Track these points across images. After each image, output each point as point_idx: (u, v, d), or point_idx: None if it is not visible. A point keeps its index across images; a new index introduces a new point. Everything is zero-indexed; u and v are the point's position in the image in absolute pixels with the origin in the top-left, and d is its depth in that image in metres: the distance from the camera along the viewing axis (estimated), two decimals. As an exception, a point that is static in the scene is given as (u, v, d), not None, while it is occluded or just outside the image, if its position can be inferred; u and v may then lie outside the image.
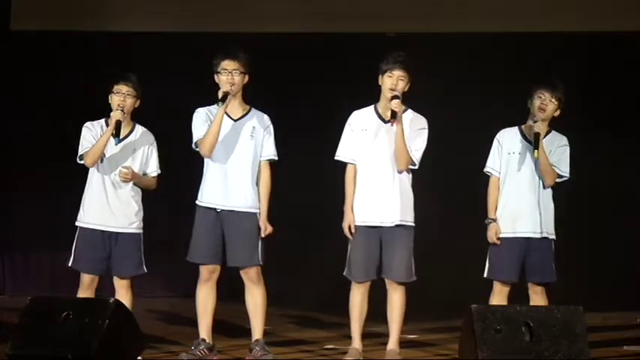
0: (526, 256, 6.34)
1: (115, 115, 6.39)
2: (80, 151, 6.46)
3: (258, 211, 6.42)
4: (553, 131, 6.45)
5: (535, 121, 6.31)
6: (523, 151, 6.39)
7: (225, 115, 6.37)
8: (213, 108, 6.40)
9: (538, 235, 6.33)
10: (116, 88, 6.45)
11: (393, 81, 6.34)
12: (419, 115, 6.47)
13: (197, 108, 6.52)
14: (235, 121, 6.45)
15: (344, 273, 6.43)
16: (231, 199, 6.38)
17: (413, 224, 6.41)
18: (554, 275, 6.34)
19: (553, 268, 6.35)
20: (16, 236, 9.63)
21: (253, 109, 6.52)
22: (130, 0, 9.45)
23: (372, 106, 6.49)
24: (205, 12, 9.33)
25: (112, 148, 6.41)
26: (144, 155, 6.52)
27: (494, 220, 6.39)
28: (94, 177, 6.47)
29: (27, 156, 9.43)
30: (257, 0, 9.34)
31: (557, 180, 6.38)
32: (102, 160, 6.42)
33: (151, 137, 6.59)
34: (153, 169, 6.57)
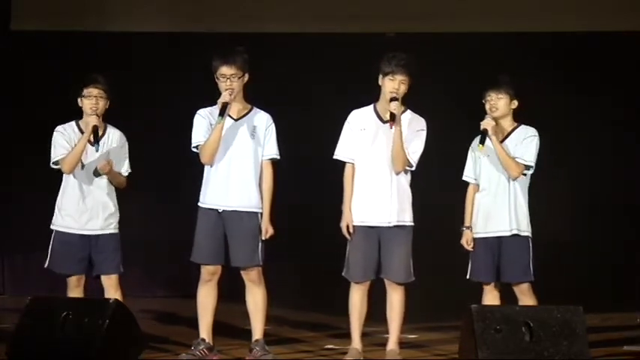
0: (500, 256, 6.36)
1: (91, 120, 6.39)
2: (54, 157, 6.50)
3: (260, 211, 6.42)
4: (522, 125, 6.49)
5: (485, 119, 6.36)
6: (490, 152, 6.40)
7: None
8: (215, 109, 6.40)
9: (508, 233, 6.35)
10: (86, 91, 6.45)
11: (394, 85, 6.33)
12: (418, 116, 6.47)
13: (197, 108, 6.52)
14: (236, 120, 6.44)
15: (343, 273, 6.43)
16: (233, 200, 6.38)
17: (412, 224, 6.41)
18: (528, 275, 6.32)
19: (528, 266, 6.33)
20: (16, 236, 9.62)
21: (255, 109, 6.52)
22: (130, 0, 9.45)
23: (371, 106, 6.48)
24: (205, 12, 9.33)
25: (92, 155, 6.43)
26: (117, 156, 6.54)
27: (468, 228, 6.45)
28: (69, 181, 6.50)
29: (27, 156, 9.42)
30: (257, 0, 9.34)
31: (525, 172, 6.39)
32: (82, 167, 6.43)
33: (123, 138, 6.62)
34: (125, 168, 6.61)
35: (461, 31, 9.25)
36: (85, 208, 6.46)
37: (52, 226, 6.53)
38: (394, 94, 6.28)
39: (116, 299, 5.65)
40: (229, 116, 6.39)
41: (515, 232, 6.35)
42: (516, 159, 6.35)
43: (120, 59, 9.01)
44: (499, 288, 6.40)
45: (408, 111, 6.45)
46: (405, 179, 6.43)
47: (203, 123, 6.41)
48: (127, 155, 6.60)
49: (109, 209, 6.50)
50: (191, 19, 9.36)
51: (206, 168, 6.47)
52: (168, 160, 8.65)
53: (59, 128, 6.55)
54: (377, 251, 6.37)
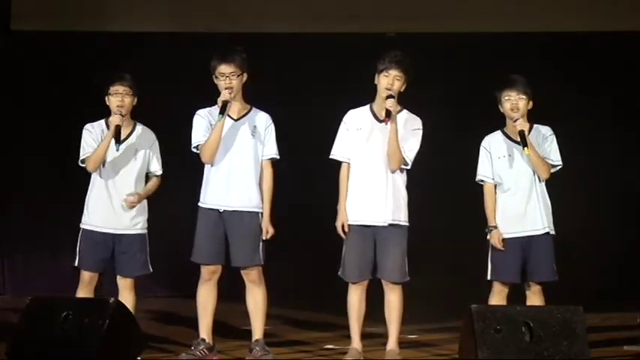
0: (528, 255, 6.34)
1: (114, 119, 6.38)
2: (82, 155, 6.46)
3: (261, 210, 6.43)
4: (535, 125, 6.47)
5: (516, 120, 6.32)
6: (512, 152, 6.40)
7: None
8: (214, 109, 6.40)
9: (541, 232, 6.34)
10: (112, 89, 6.43)
11: (389, 80, 6.33)
12: (414, 116, 6.47)
13: (197, 108, 6.53)
14: (236, 120, 6.45)
15: (339, 273, 6.43)
16: (234, 200, 6.38)
17: (407, 224, 6.40)
18: (555, 275, 6.33)
19: (554, 267, 6.34)
20: (16, 236, 9.62)
21: (254, 109, 6.53)
22: (130, 0, 9.45)
23: (367, 106, 6.49)
24: (205, 12, 9.33)
25: (114, 152, 6.40)
26: (146, 155, 6.53)
27: (495, 227, 6.40)
28: (96, 179, 6.47)
29: (27, 156, 9.43)
30: (257, 0, 9.35)
31: (552, 170, 6.40)
32: (104, 165, 6.42)
33: (152, 136, 6.59)
34: (156, 168, 6.58)
35: (461, 31, 9.25)
36: (111, 207, 6.42)
37: (81, 225, 6.49)
38: (389, 92, 6.29)
39: (116, 299, 5.64)
40: (229, 116, 6.40)
41: (547, 230, 6.34)
42: (545, 159, 6.36)
43: (120, 59, 9.00)
44: (510, 290, 6.38)
45: (405, 111, 6.45)
46: (401, 179, 6.41)
47: (203, 123, 6.42)
48: (158, 154, 6.57)
49: (136, 208, 6.47)
50: (191, 19, 9.36)
51: (206, 168, 6.47)
52: (169, 160, 8.64)
53: (88, 126, 6.53)
54: (372, 251, 6.36)
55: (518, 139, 6.32)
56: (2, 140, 9.43)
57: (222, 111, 6.28)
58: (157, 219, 8.56)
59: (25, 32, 9.38)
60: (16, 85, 9.49)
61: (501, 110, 6.44)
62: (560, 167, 6.42)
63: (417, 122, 6.45)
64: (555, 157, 6.41)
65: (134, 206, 6.43)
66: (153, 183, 6.57)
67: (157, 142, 6.58)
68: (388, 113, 6.24)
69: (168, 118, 8.63)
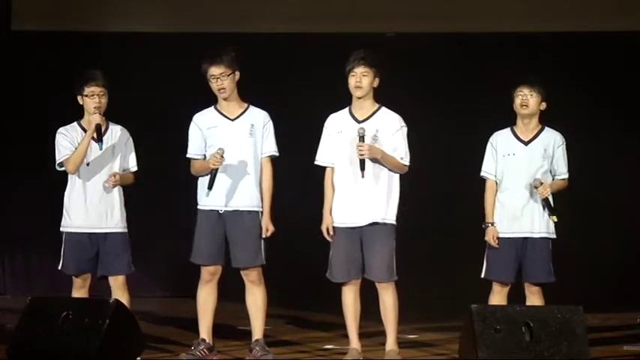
0: (523, 256, 6.34)
1: (94, 119, 6.36)
2: (59, 159, 6.46)
3: (261, 209, 6.42)
4: (546, 128, 6.46)
5: (536, 187, 6.30)
6: (518, 151, 6.40)
7: (222, 116, 6.40)
8: (210, 111, 6.40)
9: (536, 235, 6.33)
10: (88, 90, 6.40)
11: (356, 79, 6.30)
12: (392, 114, 6.38)
13: (197, 108, 6.52)
14: (233, 120, 6.44)
15: (326, 275, 6.39)
16: (233, 200, 6.37)
17: (393, 223, 6.33)
18: (551, 276, 6.33)
19: (551, 268, 6.33)
20: (16, 237, 9.63)
21: (251, 107, 6.51)
22: (130, 0, 9.45)
23: (346, 108, 6.45)
24: (205, 12, 9.33)
25: (95, 153, 6.41)
26: (122, 152, 6.53)
27: (492, 224, 6.39)
28: (76, 181, 6.46)
29: (27, 156, 9.42)
30: (257, 1, 9.35)
31: (562, 178, 6.41)
32: (88, 164, 6.41)
33: (126, 134, 6.59)
34: (132, 164, 6.58)
35: (461, 31, 9.26)
36: (92, 207, 6.42)
37: (61, 229, 6.49)
38: (359, 90, 6.26)
39: (116, 299, 5.65)
40: (227, 117, 6.39)
41: (543, 234, 6.34)
42: (561, 176, 6.38)
43: (120, 59, 9.00)
44: (510, 289, 6.38)
45: (383, 108, 6.40)
46: (388, 177, 6.34)
47: (196, 135, 6.42)
48: (133, 150, 6.58)
49: (116, 207, 6.46)
50: (191, 19, 9.36)
51: (203, 170, 6.47)
52: (168, 159, 8.66)
53: (62, 130, 6.52)
54: (359, 251, 6.31)
55: (524, 139, 6.33)
56: (2, 140, 9.43)
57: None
58: (157, 219, 8.57)
59: (25, 32, 9.39)
60: (16, 85, 9.49)
61: (514, 108, 6.43)
62: (566, 178, 6.42)
63: (397, 121, 6.37)
64: (566, 171, 6.41)
65: (116, 185, 6.40)
66: (130, 176, 6.57)
67: (131, 139, 6.58)
68: (362, 166, 6.19)
69: (168, 118, 8.65)
